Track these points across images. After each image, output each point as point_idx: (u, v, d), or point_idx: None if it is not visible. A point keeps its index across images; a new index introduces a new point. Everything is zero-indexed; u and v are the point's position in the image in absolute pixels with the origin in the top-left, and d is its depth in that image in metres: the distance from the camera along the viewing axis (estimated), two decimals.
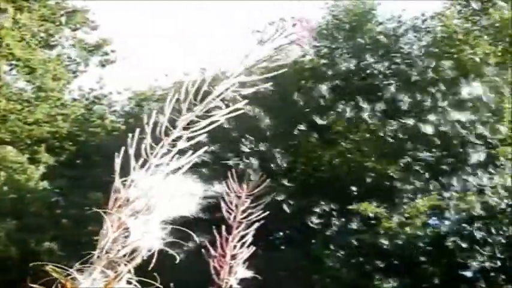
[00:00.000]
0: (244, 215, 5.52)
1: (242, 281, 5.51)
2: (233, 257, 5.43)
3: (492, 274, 21.61)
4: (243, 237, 5.49)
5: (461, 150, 21.00)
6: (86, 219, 26.32)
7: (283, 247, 24.97)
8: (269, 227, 23.50)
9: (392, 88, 23.00)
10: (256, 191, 5.58)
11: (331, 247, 21.59)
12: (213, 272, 5.12)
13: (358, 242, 20.99)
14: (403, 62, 23.43)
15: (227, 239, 5.43)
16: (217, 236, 5.25)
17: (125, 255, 2.52)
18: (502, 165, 20.44)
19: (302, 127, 23.36)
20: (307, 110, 23.52)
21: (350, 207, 20.85)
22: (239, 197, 5.50)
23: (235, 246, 5.43)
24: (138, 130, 2.68)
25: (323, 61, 24.78)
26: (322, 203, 22.36)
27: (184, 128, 2.65)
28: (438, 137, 21.59)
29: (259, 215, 5.39)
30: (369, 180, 21.49)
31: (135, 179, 2.65)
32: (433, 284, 20.94)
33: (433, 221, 21.60)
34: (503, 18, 21.92)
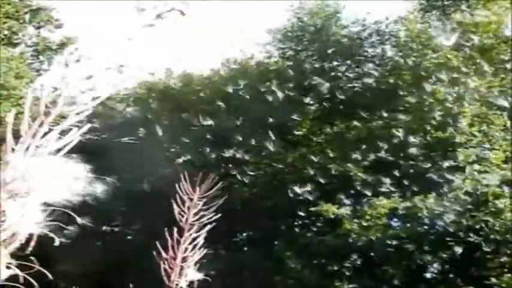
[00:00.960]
0: (197, 217, 5.53)
1: (201, 282, 5.55)
2: (184, 259, 5.44)
3: (451, 276, 21.91)
4: (194, 239, 5.51)
5: (422, 153, 21.23)
6: None
7: (246, 248, 25.01)
8: (232, 228, 23.54)
9: (355, 90, 23.24)
10: (208, 193, 5.61)
11: (294, 248, 21.66)
12: (163, 274, 5.12)
13: (320, 243, 21.10)
14: (367, 65, 23.66)
15: (178, 241, 5.44)
16: (169, 238, 5.25)
17: (1, 240, 2.44)
18: (462, 168, 20.66)
19: (266, 128, 23.41)
20: (272, 111, 23.57)
21: (312, 208, 20.95)
22: (191, 199, 5.52)
23: (186, 249, 5.45)
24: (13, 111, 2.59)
25: (288, 63, 24.86)
26: (285, 204, 22.45)
27: (66, 105, 2.59)
28: (401, 139, 21.83)
29: (211, 217, 5.42)
30: (331, 181, 21.59)
31: (11, 160, 2.55)
32: (393, 286, 21.11)
33: (394, 222, 21.81)
34: (465, 23, 22.23)
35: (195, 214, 5.28)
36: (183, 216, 5.21)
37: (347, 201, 21.16)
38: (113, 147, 24.56)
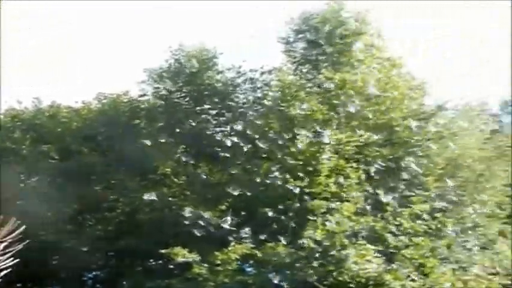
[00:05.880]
0: None
1: None
2: None
3: None
4: None
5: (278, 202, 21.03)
6: None
7: None
8: (80, 268, 22.64)
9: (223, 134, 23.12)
10: (8, 237, 4.98)
11: None
12: None
13: (168, 287, 20.40)
14: (236, 111, 23.65)
15: None
16: None
17: None
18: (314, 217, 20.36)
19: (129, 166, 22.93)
20: (138, 149, 23.08)
21: (162, 251, 20.25)
22: None
23: None
24: None
25: (160, 102, 24.64)
26: (140, 244, 21.78)
27: None
28: (260, 186, 21.63)
29: (7, 263, 4.81)
30: (185, 224, 21.05)
31: None
32: None
33: (248, 268, 21.32)
34: (334, 78, 22.51)
35: None
36: None
37: (199, 245, 20.54)
38: None
